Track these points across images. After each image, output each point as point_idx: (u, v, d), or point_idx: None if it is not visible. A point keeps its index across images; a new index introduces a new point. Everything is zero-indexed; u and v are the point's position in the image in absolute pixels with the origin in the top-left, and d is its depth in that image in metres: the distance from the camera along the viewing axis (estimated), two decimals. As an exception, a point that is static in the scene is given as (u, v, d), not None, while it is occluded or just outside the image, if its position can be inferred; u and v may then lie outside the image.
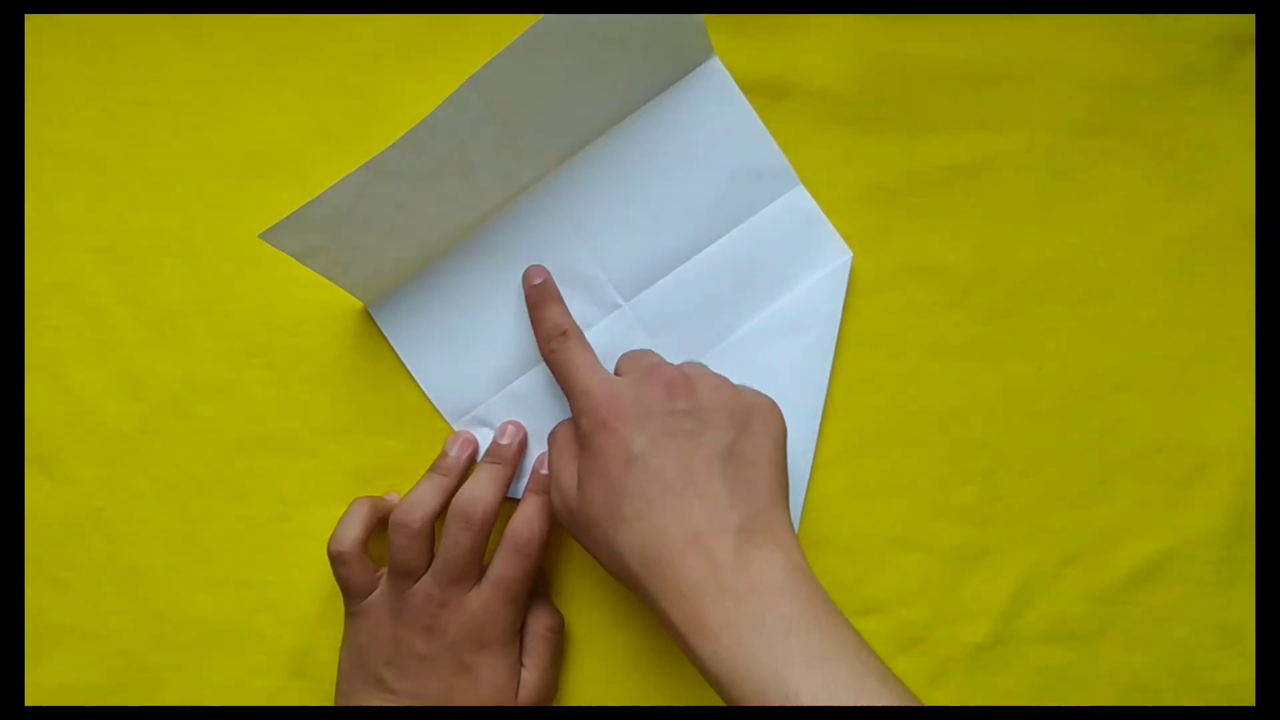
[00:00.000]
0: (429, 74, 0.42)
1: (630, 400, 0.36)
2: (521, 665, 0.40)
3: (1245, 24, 0.42)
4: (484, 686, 0.38)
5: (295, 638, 0.42)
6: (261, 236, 0.36)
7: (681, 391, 0.36)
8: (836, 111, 0.42)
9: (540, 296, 0.41)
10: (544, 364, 0.41)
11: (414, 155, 0.36)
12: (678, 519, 0.33)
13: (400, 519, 0.38)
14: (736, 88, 0.41)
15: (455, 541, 0.38)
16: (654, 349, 0.41)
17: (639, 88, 0.40)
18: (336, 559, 0.39)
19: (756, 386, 0.41)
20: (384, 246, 0.39)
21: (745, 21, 0.41)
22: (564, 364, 0.39)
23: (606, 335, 0.42)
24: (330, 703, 0.41)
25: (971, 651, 0.42)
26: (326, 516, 0.41)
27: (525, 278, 0.41)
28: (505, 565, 0.39)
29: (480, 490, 0.39)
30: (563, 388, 0.39)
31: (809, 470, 0.42)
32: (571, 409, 0.38)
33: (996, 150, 0.42)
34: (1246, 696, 0.41)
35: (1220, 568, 0.41)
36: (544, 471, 0.41)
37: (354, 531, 0.39)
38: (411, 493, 0.40)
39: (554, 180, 0.41)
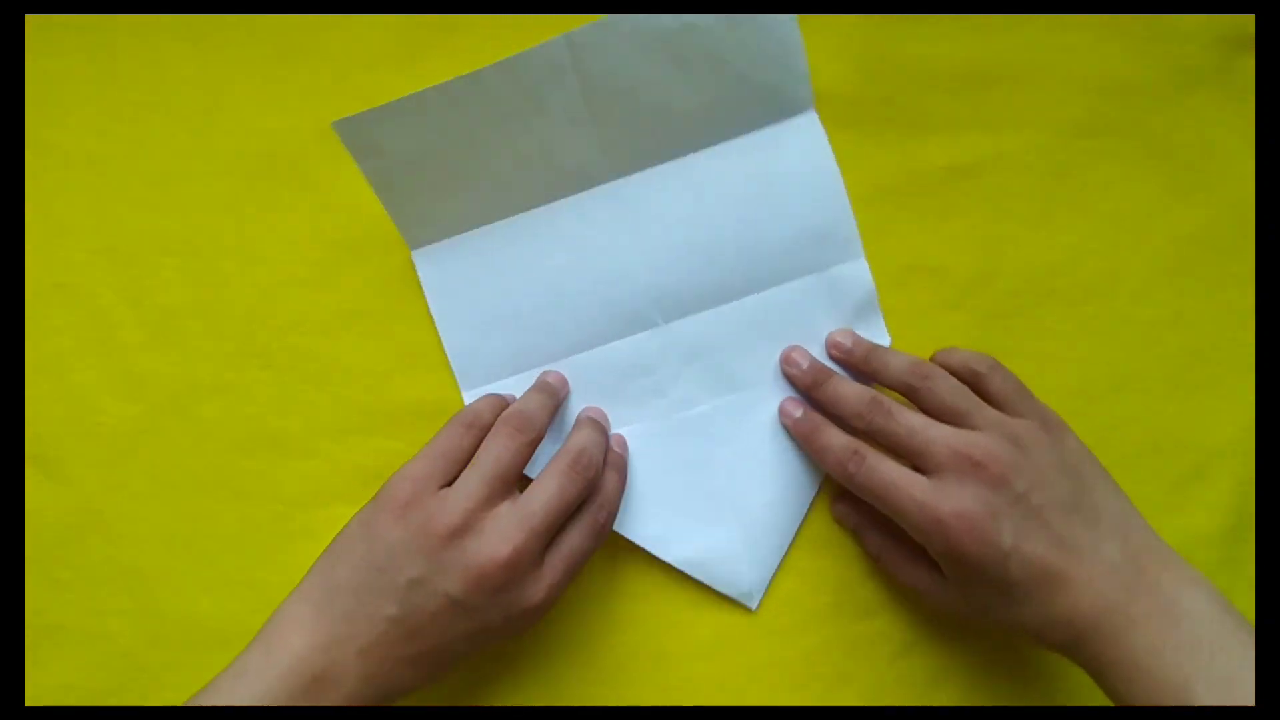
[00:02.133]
0: (429, 74, 0.42)
1: (978, 512, 0.35)
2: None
3: (1245, 24, 0.42)
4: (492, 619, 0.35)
5: (295, 638, 0.42)
6: (334, 125, 0.38)
7: (1015, 476, 0.35)
8: (836, 111, 0.42)
9: (810, 427, 0.40)
10: (571, 360, 0.41)
11: (498, 81, 0.38)
12: (1064, 581, 0.34)
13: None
14: (828, 146, 0.41)
15: (505, 446, 0.36)
16: (679, 378, 0.41)
17: (733, 118, 0.40)
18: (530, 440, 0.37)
19: (753, 391, 0.41)
20: (443, 185, 0.39)
21: (745, 21, 0.41)
22: (875, 484, 0.37)
23: (633, 350, 0.41)
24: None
25: (971, 652, 0.42)
26: (326, 517, 0.41)
27: (783, 412, 0.40)
28: (580, 538, 0.37)
29: (536, 410, 0.38)
30: (883, 506, 0.37)
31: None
32: (908, 526, 0.36)
33: (996, 150, 0.42)
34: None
35: (1220, 568, 0.41)
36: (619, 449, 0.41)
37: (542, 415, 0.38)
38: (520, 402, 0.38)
39: (628, 183, 0.41)
